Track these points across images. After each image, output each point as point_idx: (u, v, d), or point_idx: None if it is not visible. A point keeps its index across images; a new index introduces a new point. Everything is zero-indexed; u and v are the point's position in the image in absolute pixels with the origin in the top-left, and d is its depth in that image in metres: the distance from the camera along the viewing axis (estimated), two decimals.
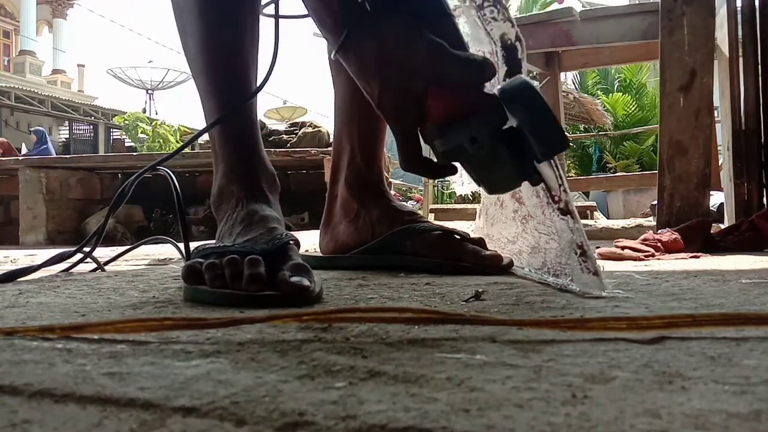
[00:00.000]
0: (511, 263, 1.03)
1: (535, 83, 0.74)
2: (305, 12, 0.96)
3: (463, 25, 0.97)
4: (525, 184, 0.75)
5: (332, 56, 0.73)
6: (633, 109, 10.92)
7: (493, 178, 0.72)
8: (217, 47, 0.98)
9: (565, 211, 0.75)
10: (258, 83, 1.01)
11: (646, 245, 1.42)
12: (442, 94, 0.68)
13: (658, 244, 1.44)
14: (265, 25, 1.05)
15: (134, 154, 6.03)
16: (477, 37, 0.88)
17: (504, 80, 0.80)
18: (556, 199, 0.75)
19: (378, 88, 0.70)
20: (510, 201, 1.09)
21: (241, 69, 0.99)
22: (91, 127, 15.44)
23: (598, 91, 11.55)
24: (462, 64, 0.68)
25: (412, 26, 0.69)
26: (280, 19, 0.99)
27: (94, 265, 1.24)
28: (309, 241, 1.87)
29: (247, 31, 1.00)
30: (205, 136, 1.07)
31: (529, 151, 0.65)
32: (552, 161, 0.72)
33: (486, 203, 1.54)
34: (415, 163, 0.72)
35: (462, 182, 1.73)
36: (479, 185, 0.74)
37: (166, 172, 1.03)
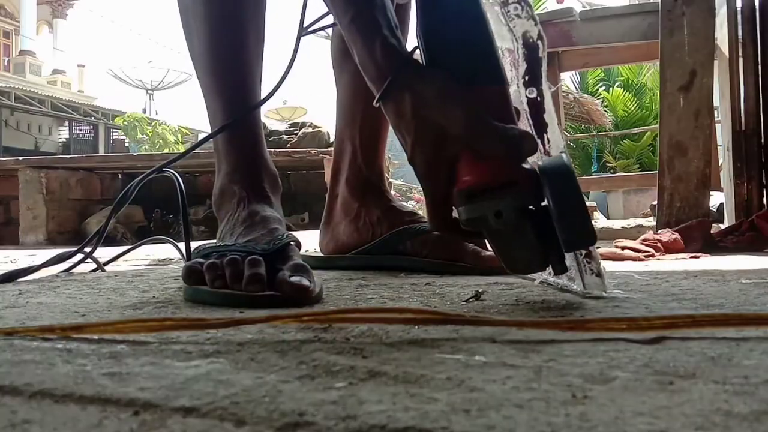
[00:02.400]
0: None
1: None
2: (325, 24, 0.96)
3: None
4: None
5: (375, 103, 0.72)
6: (633, 108, 10.93)
7: (515, 257, 0.68)
8: (222, 46, 0.98)
9: None
10: (263, 83, 1.01)
11: (646, 245, 1.42)
12: (475, 161, 0.66)
13: (658, 244, 1.44)
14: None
15: (134, 154, 6.03)
16: (500, 34, 0.89)
17: (524, 77, 0.80)
18: None
19: (411, 143, 0.69)
20: None
21: (246, 69, 0.99)
22: (91, 127, 15.43)
23: (600, 89, 11.57)
24: (499, 136, 0.64)
25: (454, 88, 0.67)
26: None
27: (94, 266, 1.24)
28: (309, 242, 1.87)
29: (251, 30, 1.00)
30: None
31: (558, 237, 0.62)
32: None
33: None
34: (442, 223, 0.69)
35: None
36: (499, 260, 0.71)
37: (173, 174, 1.03)
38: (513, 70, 0.90)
